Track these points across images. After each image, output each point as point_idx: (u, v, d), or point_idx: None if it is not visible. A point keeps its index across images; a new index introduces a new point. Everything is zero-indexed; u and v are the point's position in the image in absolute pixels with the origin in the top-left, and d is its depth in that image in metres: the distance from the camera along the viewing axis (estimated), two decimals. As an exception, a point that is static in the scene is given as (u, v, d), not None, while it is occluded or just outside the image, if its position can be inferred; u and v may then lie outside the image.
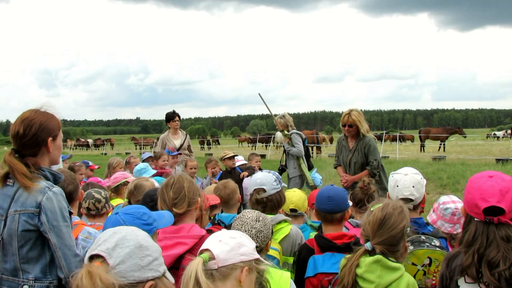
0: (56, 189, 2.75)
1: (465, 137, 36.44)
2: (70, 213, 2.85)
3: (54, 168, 3.06)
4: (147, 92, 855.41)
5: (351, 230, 3.65)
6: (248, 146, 46.20)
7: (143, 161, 7.94)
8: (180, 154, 8.47)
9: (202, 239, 2.87)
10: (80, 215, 4.18)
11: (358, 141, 6.52)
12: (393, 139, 41.51)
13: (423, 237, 3.08)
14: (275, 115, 8.66)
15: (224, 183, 4.29)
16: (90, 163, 8.30)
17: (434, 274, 2.95)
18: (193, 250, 2.79)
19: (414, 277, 2.92)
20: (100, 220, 3.98)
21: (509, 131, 31.64)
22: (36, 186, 2.67)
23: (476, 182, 2.29)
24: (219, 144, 56.02)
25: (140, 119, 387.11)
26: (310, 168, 8.21)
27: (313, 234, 3.67)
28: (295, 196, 4.13)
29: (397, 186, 3.30)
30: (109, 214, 4.39)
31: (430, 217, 3.83)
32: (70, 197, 3.34)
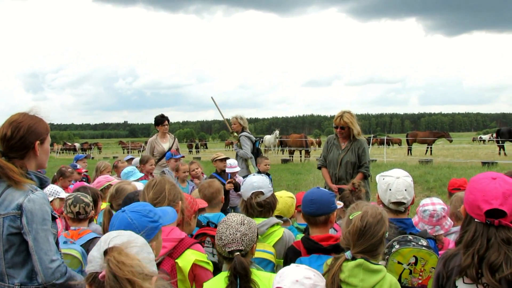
0: (39, 192, 2.73)
1: (451, 141, 36.60)
2: (54, 218, 2.82)
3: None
4: (136, 95, 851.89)
5: (340, 231, 3.67)
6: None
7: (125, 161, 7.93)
8: (183, 156, 8.44)
9: (181, 242, 2.88)
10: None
11: (351, 142, 6.56)
12: (381, 143, 41.66)
13: (410, 236, 3.09)
14: (227, 120, 9.19)
15: (209, 182, 4.30)
16: (78, 166, 8.30)
17: (420, 273, 2.96)
18: (172, 253, 2.80)
19: (400, 275, 2.95)
20: (83, 224, 3.94)
21: (494, 135, 31.79)
22: (25, 185, 2.66)
23: (479, 183, 2.27)
24: (207, 148, 55.94)
25: (128, 123, 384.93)
26: None
27: (299, 236, 3.68)
28: (281, 203, 4.11)
29: (390, 189, 3.30)
30: (95, 218, 4.39)
31: (414, 219, 3.86)
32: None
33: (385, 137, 40.61)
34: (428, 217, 3.83)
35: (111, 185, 5.28)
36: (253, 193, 3.60)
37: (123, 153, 52.89)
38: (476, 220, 2.25)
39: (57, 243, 2.82)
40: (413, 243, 3.03)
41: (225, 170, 7.75)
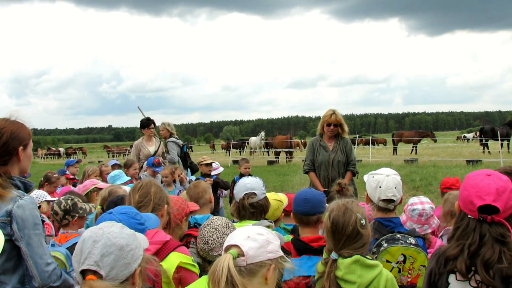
0: (27, 197, 2.71)
1: (435, 141, 36.85)
2: (42, 221, 2.81)
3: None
4: (120, 99, 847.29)
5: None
6: (222, 152, 46.06)
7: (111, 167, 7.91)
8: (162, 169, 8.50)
9: (166, 245, 2.87)
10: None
11: (339, 141, 6.56)
12: (366, 143, 41.91)
13: (398, 235, 3.09)
14: (162, 123, 9.53)
15: (195, 183, 4.29)
16: (67, 172, 8.29)
17: (409, 271, 2.97)
18: (157, 255, 2.78)
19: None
20: (73, 228, 3.91)
21: (478, 133, 32.08)
22: (9, 194, 2.63)
23: (473, 180, 2.28)
24: (192, 151, 55.83)
25: (112, 126, 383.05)
26: (193, 172, 9.17)
27: (287, 237, 3.67)
28: None
29: (380, 187, 3.30)
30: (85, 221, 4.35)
31: (401, 217, 3.87)
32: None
33: (370, 137, 40.81)
34: (417, 216, 3.84)
35: (97, 188, 5.28)
36: (245, 194, 3.58)
37: (108, 157, 52.69)
38: (469, 216, 2.26)
39: None
40: (401, 241, 3.03)
41: (210, 174, 7.73)
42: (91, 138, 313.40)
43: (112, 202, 3.58)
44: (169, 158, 9.02)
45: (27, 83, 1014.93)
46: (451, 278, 2.29)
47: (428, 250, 3.26)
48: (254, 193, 3.57)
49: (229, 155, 37.38)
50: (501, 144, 24.57)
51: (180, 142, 9.37)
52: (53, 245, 3.67)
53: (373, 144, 42.29)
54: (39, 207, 4.59)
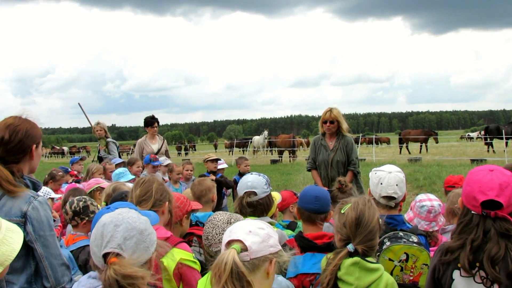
0: (41, 198, 2.71)
1: (437, 142, 36.64)
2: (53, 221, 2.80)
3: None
4: (124, 98, 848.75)
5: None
6: (225, 151, 46.05)
7: (115, 166, 7.92)
8: (161, 166, 8.44)
9: (166, 241, 2.86)
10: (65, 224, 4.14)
11: (339, 140, 6.51)
12: (369, 142, 41.77)
13: (401, 233, 3.07)
14: (97, 123, 9.64)
15: (200, 180, 4.28)
16: (70, 170, 8.34)
17: (412, 270, 2.95)
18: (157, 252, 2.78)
19: (392, 273, 2.93)
20: (82, 230, 3.86)
21: (482, 132, 31.99)
22: (21, 193, 2.62)
23: (476, 175, 2.28)
24: (195, 150, 55.84)
25: (116, 126, 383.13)
26: None
27: (286, 232, 3.68)
28: None
29: (381, 183, 3.28)
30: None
31: (407, 215, 3.85)
32: None
33: (374, 136, 40.70)
34: (426, 213, 3.82)
35: (100, 187, 5.28)
36: (245, 192, 3.54)
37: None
38: (472, 212, 2.25)
39: None
40: (404, 240, 3.01)
41: (215, 171, 7.73)
42: (95, 137, 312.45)
43: (115, 198, 3.58)
44: (111, 159, 8.91)
45: (32, 83, 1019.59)
46: (455, 274, 2.28)
47: (433, 248, 3.24)
48: (254, 192, 3.52)
49: (232, 154, 37.35)
50: (506, 143, 24.49)
51: (117, 143, 9.63)
52: (61, 246, 3.66)
53: (377, 143, 42.20)
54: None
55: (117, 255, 1.85)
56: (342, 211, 2.62)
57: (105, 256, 1.87)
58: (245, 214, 3.50)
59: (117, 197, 3.64)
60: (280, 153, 31.04)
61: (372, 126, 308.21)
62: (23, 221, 2.59)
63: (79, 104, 9.29)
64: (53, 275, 2.64)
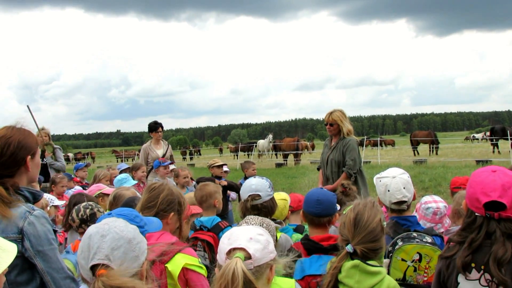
0: (38, 212, 2.59)
1: (437, 147, 36.48)
2: (55, 232, 2.71)
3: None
4: (128, 104, 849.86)
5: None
6: (230, 156, 46.09)
7: (120, 172, 7.90)
8: (172, 163, 8.39)
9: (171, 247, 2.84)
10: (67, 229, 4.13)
11: (339, 140, 6.61)
12: (374, 144, 41.75)
13: (414, 233, 3.05)
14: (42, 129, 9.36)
15: (202, 185, 4.25)
16: (74, 176, 8.34)
17: (425, 270, 2.91)
18: (162, 257, 2.75)
19: (405, 273, 2.91)
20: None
21: (488, 133, 31.91)
22: (14, 214, 2.50)
23: (479, 176, 2.26)
24: (200, 154, 55.92)
25: (121, 131, 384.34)
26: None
27: (295, 236, 3.68)
28: None
29: (388, 190, 3.27)
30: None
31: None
32: None
33: (378, 139, 40.70)
34: (432, 215, 3.80)
35: (102, 193, 5.27)
36: (250, 195, 3.55)
37: (117, 161, 52.91)
38: (476, 214, 2.23)
39: None
40: (417, 240, 2.98)
41: (221, 177, 7.71)
42: (99, 143, 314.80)
43: (126, 203, 3.56)
44: (59, 167, 8.97)
45: (37, 89, 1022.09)
46: (461, 277, 2.26)
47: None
48: (259, 195, 3.54)
49: (237, 158, 37.36)
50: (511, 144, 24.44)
51: (61, 149, 9.61)
52: (67, 252, 3.64)
53: (381, 146, 42.16)
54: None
55: (105, 266, 1.79)
56: (344, 212, 2.64)
57: (93, 268, 1.81)
58: None
59: (129, 202, 3.60)
60: (285, 156, 31.04)
61: (376, 128, 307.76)
62: (20, 237, 2.49)
63: (27, 106, 9.34)
64: None
